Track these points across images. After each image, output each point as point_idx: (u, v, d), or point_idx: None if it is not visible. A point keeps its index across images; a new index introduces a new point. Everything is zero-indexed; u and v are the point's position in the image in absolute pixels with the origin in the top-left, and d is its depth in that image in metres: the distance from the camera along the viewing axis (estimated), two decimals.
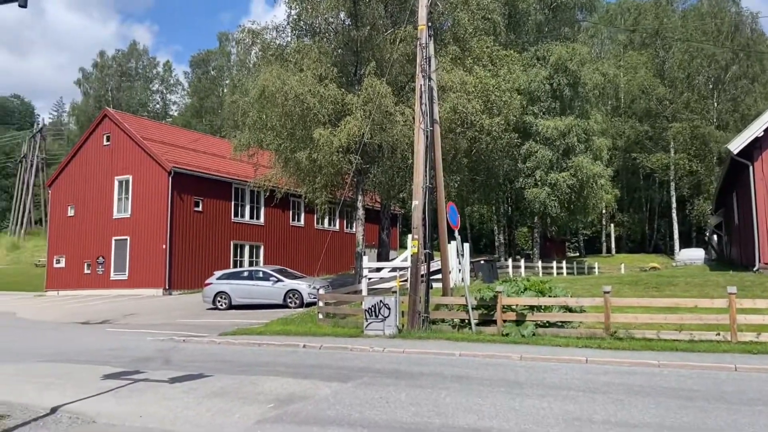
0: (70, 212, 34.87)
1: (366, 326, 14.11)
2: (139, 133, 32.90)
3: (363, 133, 20.86)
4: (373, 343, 12.64)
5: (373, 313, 14.06)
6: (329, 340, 13.27)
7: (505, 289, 13.99)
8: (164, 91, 78.67)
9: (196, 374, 9.30)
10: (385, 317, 13.95)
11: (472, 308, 13.83)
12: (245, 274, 23.34)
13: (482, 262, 24.01)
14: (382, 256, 26.91)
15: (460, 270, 20.78)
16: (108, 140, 33.88)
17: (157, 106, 76.54)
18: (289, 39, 25.80)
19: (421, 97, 14.93)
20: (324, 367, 10.13)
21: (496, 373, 9.37)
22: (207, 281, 23.33)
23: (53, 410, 7.08)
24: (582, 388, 8.20)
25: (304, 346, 12.55)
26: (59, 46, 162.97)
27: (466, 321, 14.06)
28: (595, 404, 7.28)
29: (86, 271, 33.63)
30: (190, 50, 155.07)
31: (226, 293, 22.44)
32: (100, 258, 33.05)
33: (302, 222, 38.11)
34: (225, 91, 61.18)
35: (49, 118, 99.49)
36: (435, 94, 15.82)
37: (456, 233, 14.93)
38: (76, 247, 34.16)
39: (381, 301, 14.12)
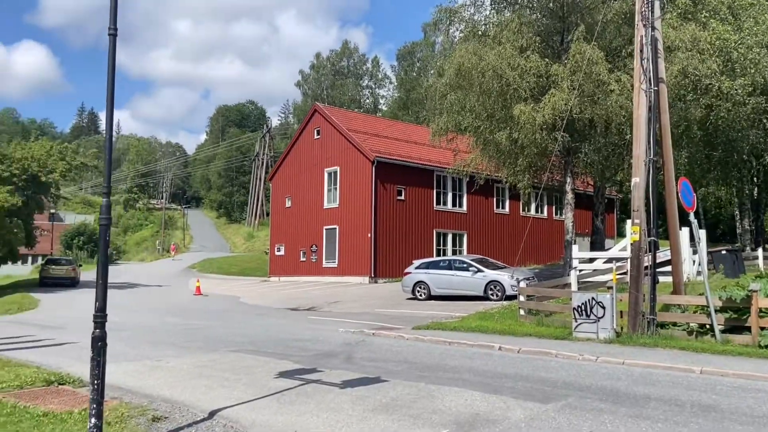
0: (288, 203, 37.25)
1: (575, 327, 11.98)
2: (345, 125, 33.79)
3: (570, 107, 18.41)
4: (583, 348, 10.55)
5: (584, 312, 11.88)
6: (530, 342, 11.44)
7: (761, 286, 10.83)
8: (373, 86, 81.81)
9: (372, 378, 8.25)
10: (599, 317, 11.69)
11: (716, 310, 10.92)
12: (444, 263, 22.27)
13: (723, 252, 19.89)
14: (596, 245, 23.94)
15: (694, 261, 17.37)
16: (318, 134, 35.41)
17: (368, 101, 79.81)
18: (487, 13, 24.14)
19: (641, 51, 12.26)
20: (520, 378, 8.41)
21: (758, 404, 6.82)
22: (406, 270, 22.75)
23: (211, 414, 6.47)
24: None
25: (500, 348, 10.91)
26: (289, 55, 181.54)
27: (707, 326, 11.20)
28: None
29: (302, 258, 35.63)
30: (400, 46, 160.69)
31: (425, 283, 21.60)
32: (314, 246, 34.72)
33: (507, 209, 36.13)
34: (429, 80, 61.16)
35: (278, 119, 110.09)
36: (660, 46, 12.95)
37: (691, 216, 12.02)
38: (292, 236, 36.39)
39: (593, 297, 11.88)
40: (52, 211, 40.47)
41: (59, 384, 7.85)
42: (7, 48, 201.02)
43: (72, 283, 33.14)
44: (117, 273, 47.27)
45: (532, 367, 9.22)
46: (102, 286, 5.34)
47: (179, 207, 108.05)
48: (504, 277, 20.04)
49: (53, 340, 12.25)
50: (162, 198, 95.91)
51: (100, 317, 5.33)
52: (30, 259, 51.86)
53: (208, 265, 54.24)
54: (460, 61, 20.37)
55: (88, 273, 46.36)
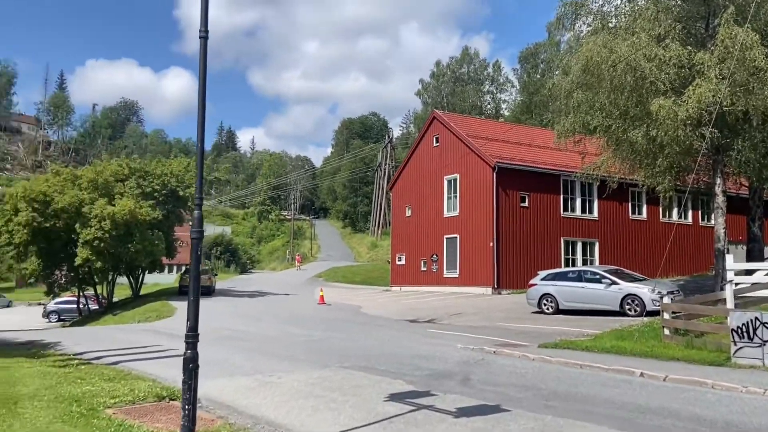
0: (407, 213, 36.96)
1: (734, 352, 10.26)
2: (464, 131, 32.91)
3: (720, 99, 16.29)
4: (746, 378, 8.92)
5: (746, 334, 10.14)
6: (678, 368, 9.92)
7: None
8: (495, 91, 79.98)
9: (491, 406, 7.36)
10: (765, 341, 9.91)
11: None
12: (573, 274, 20.63)
13: None
14: (754, 255, 21.12)
15: None
16: (437, 141, 34.82)
17: (489, 106, 78.16)
18: (618, 3, 22.26)
19: None
20: (668, 414, 7.12)
21: None
22: (531, 282, 21.38)
23: None
24: None
25: (642, 375, 9.52)
26: (411, 66, 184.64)
27: None
28: None
29: (422, 268, 35.10)
30: (522, 49, 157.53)
31: (553, 296, 20.12)
32: (434, 256, 34.08)
33: (644, 215, 33.23)
34: (554, 80, 58.53)
35: (399, 129, 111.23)
36: None
37: None
38: (413, 245, 36.01)
39: (758, 317, 10.11)
40: (190, 223, 43.26)
41: (171, 399, 7.76)
42: (158, 75, 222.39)
43: (207, 291, 34.94)
44: (249, 282, 49.65)
45: (682, 400, 7.84)
46: (194, 303, 4.99)
47: (308, 218, 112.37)
48: (643, 290, 18.13)
49: (177, 350, 12.52)
50: (291, 209, 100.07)
51: (192, 337, 4.97)
52: (174, 268, 55.84)
53: (333, 274, 55.47)
54: (588, 56, 18.79)
55: (224, 282, 49.08)
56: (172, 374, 9.70)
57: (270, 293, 36.75)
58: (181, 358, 11.27)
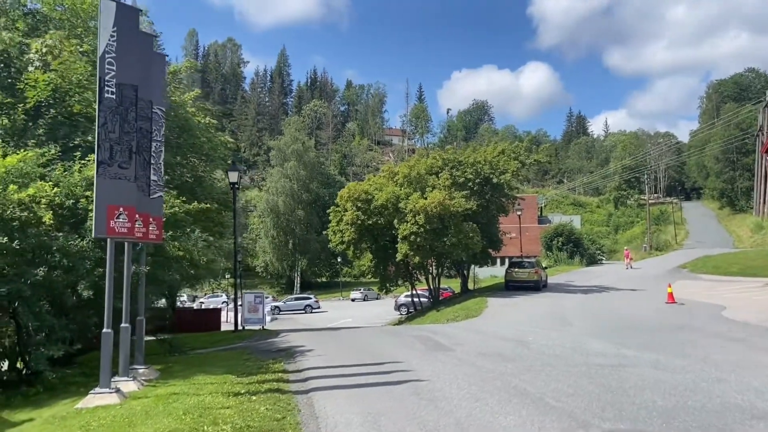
0: None
1: None
2: None
3: None
4: None
5: None
6: None
7: None
8: None
9: None
10: None
11: None
12: None
13: None
14: None
15: None
16: None
17: None
18: None
19: None
20: None
21: None
22: None
23: None
24: None
25: None
26: None
27: None
28: None
29: None
30: None
31: None
32: None
33: None
34: None
35: None
36: None
37: None
38: None
39: None
40: (519, 212, 40.37)
41: None
42: (515, 73, 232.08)
43: (535, 286, 31.48)
44: (591, 275, 44.39)
45: None
46: None
47: (673, 200, 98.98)
48: None
49: (409, 372, 9.51)
50: (647, 191, 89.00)
51: None
52: (498, 261, 52.20)
53: (702, 263, 45.80)
54: None
55: (562, 275, 44.92)
56: (345, 419, 6.75)
57: (611, 288, 31.27)
58: (397, 385, 8.25)
